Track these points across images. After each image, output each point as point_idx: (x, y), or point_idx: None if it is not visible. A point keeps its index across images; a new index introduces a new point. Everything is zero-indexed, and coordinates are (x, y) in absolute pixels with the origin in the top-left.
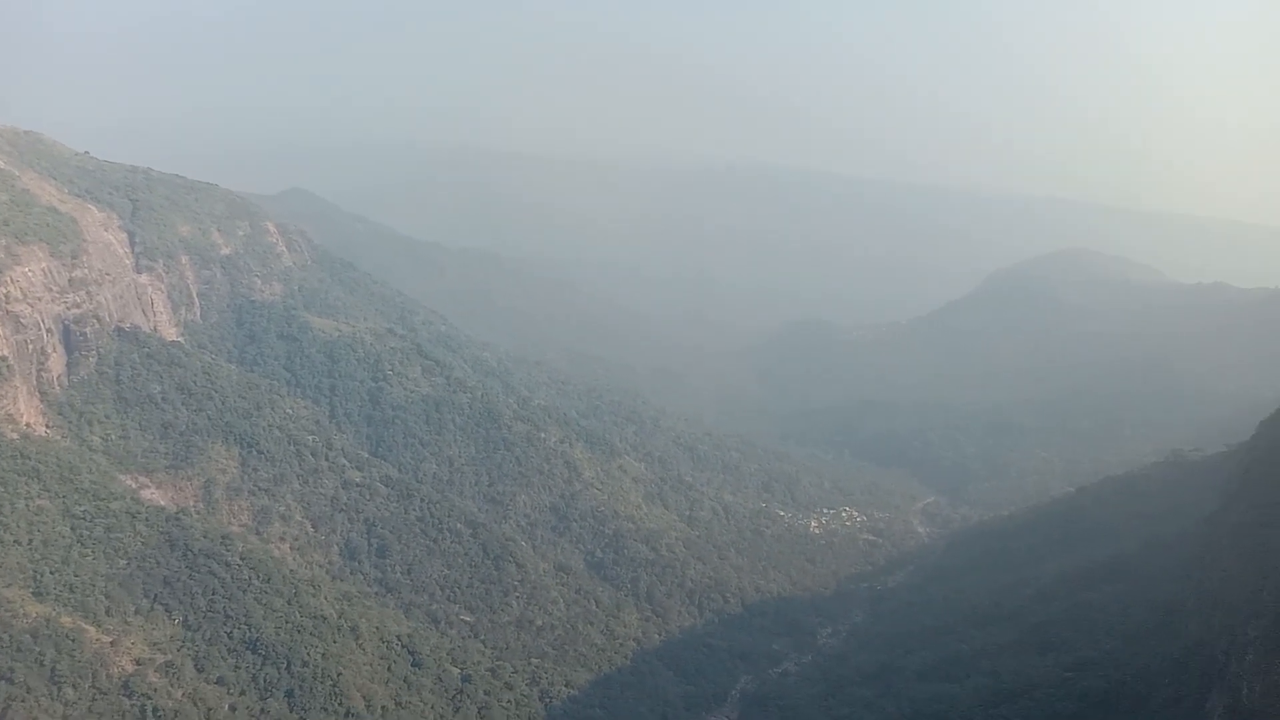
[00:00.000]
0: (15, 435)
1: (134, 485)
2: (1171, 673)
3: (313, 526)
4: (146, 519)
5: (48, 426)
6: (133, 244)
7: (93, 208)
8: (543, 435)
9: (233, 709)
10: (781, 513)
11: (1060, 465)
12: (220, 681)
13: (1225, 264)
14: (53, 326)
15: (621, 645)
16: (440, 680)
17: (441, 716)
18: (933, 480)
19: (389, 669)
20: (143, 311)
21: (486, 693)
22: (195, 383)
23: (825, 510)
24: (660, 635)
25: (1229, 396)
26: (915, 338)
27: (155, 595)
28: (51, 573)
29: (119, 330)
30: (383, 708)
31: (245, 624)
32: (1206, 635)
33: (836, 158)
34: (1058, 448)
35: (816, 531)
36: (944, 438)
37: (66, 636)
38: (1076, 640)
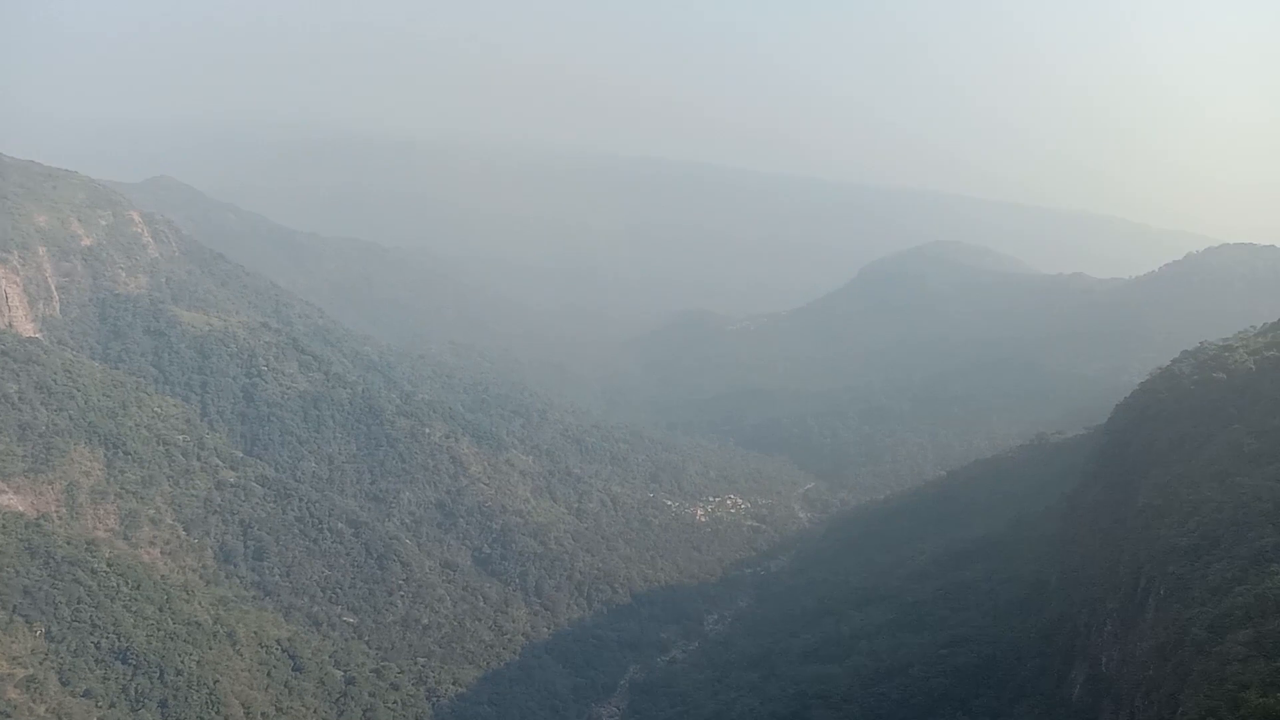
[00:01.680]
0: None
1: None
2: (1037, 646)
3: (185, 530)
4: (3, 526)
5: None
6: None
7: None
8: (427, 430)
9: None
10: (669, 502)
11: (932, 450)
12: (88, 694)
13: (1083, 255)
14: None
15: (510, 640)
16: (323, 683)
17: None
18: (813, 466)
19: (269, 674)
20: None
21: (371, 694)
22: (55, 381)
23: (711, 498)
24: (549, 629)
25: (1087, 381)
26: (796, 328)
27: (14, 606)
28: None
29: None
30: (263, 714)
31: (114, 633)
32: (1069, 609)
33: (718, 150)
34: (930, 433)
35: (703, 520)
36: (823, 425)
37: None
38: (950, 618)
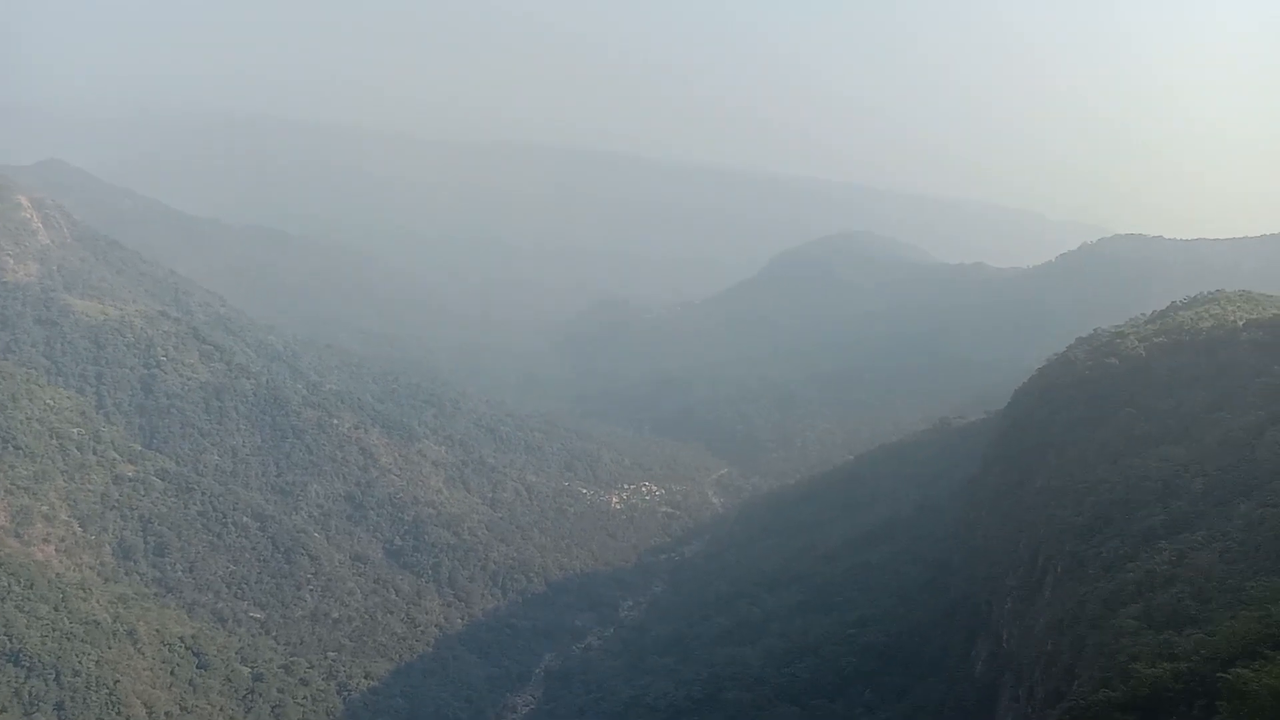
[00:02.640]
0: None
1: None
2: (942, 624)
3: (80, 526)
4: None
5: None
6: None
7: None
8: (335, 421)
9: None
10: (584, 490)
11: (841, 435)
12: None
13: (984, 244)
14: None
15: (423, 632)
16: (229, 681)
17: (232, 718)
18: (726, 452)
19: (172, 673)
20: None
21: (280, 690)
22: None
23: (626, 486)
24: (463, 619)
25: (988, 367)
26: (709, 316)
27: None
28: None
29: None
30: (166, 714)
31: (5, 634)
32: (971, 588)
33: (636, 139)
34: (838, 419)
35: (618, 507)
36: (736, 411)
37: None
38: (858, 599)
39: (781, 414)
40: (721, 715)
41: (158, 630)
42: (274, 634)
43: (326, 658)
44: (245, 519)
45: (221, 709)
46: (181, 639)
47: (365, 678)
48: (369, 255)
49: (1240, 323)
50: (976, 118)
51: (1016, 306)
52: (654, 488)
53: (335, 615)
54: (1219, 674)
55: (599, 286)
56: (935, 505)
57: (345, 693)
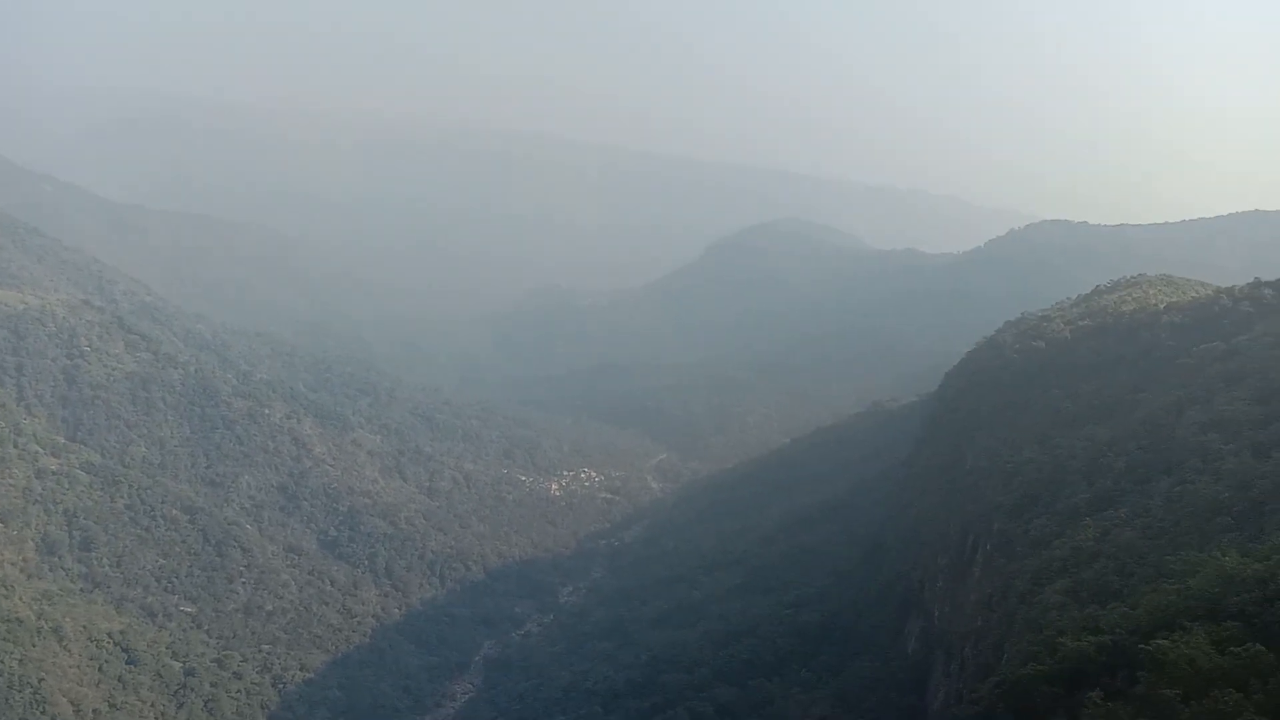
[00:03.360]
0: None
1: None
2: (876, 603)
3: (1, 522)
4: None
5: None
6: None
7: None
8: (267, 411)
9: None
10: (523, 478)
11: (778, 419)
12: None
13: (915, 231)
14: None
15: (360, 623)
16: (160, 676)
17: (164, 714)
18: (665, 437)
19: (100, 669)
20: None
21: (213, 685)
22: None
23: (565, 472)
24: (401, 609)
25: (920, 351)
26: (647, 302)
27: None
28: None
29: None
30: (95, 711)
31: None
32: (904, 567)
33: (568, 123)
34: (775, 403)
35: (557, 494)
36: (674, 397)
37: None
38: (794, 579)
39: (719, 399)
40: (660, 698)
41: (84, 626)
42: (206, 628)
43: (261, 651)
44: (175, 512)
45: (152, 705)
46: (109, 635)
47: (301, 670)
48: (300, 241)
49: (1161, 306)
50: (908, 108)
51: (947, 291)
52: (593, 474)
53: (269, 608)
54: (1140, 645)
55: (533, 270)
56: (869, 487)
57: (280, 685)
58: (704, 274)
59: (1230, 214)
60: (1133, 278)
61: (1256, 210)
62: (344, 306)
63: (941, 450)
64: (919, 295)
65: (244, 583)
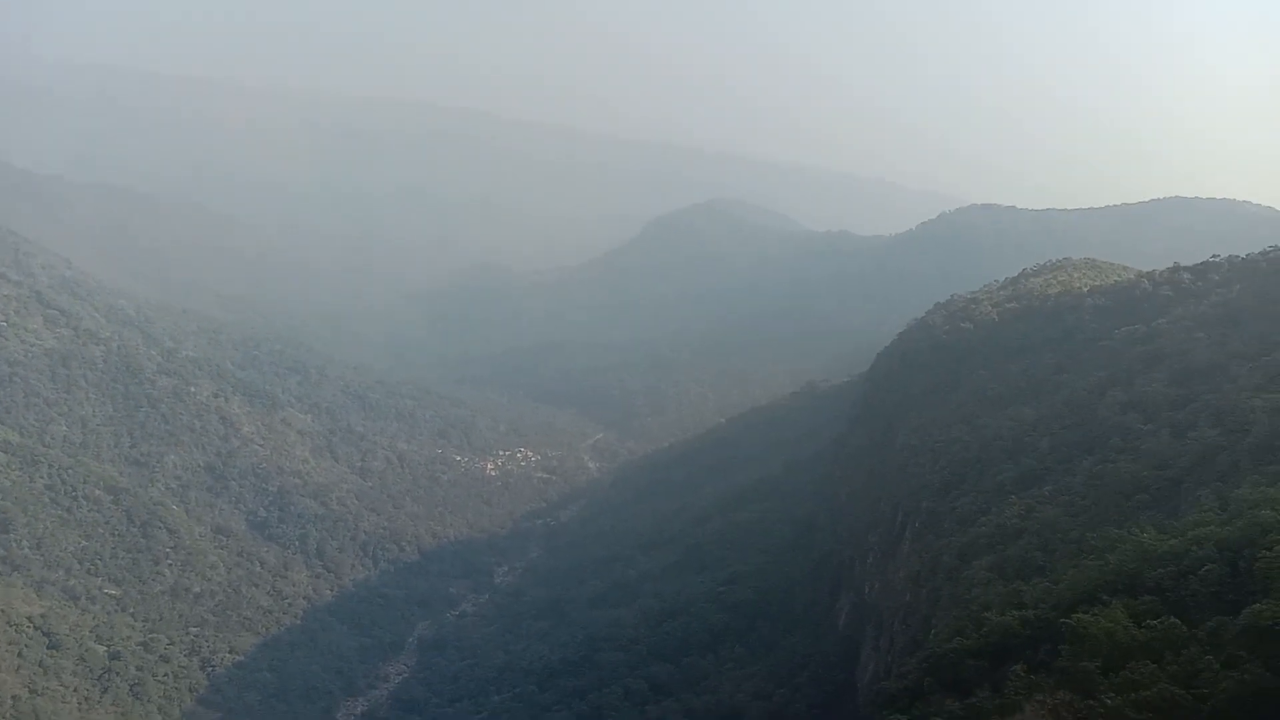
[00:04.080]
0: None
1: None
2: (808, 580)
3: None
4: None
5: None
6: None
7: None
8: (193, 390)
9: None
10: (458, 457)
11: (714, 398)
12: None
13: (848, 213)
14: None
15: (290, 605)
16: (84, 660)
17: (88, 699)
18: (602, 417)
19: (19, 654)
20: None
21: (139, 668)
22: None
23: (501, 452)
24: (332, 591)
25: (852, 332)
26: (585, 281)
27: None
28: None
29: None
30: (14, 697)
31: None
32: (836, 544)
33: (510, 99)
34: (711, 383)
35: (493, 473)
36: (612, 376)
37: None
38: (728, 557)
39: (656, 379)
40: (596, 676)
41: (2, 610)
42: (131, 611)
43: (188, 633)
44: (97, 492)
45: (75, 690)
46: (30, 619)
47: (230, 652)
48: (227, 215)
49: (1085, 289)
50: (844, 91)
51: (879, 273)
52: (530, 454)
53: (197, 590)
54: (1062, 619)
55: (468, 248)
56: (802, 465)
57: (209, 668)
58: (641, 254)
59: (1153, 199)
60: (1058, 261)
61: (1178, 196)
62: (271, 281)
63: (873, 430)
64: (852, 276)
65: (170, 564)
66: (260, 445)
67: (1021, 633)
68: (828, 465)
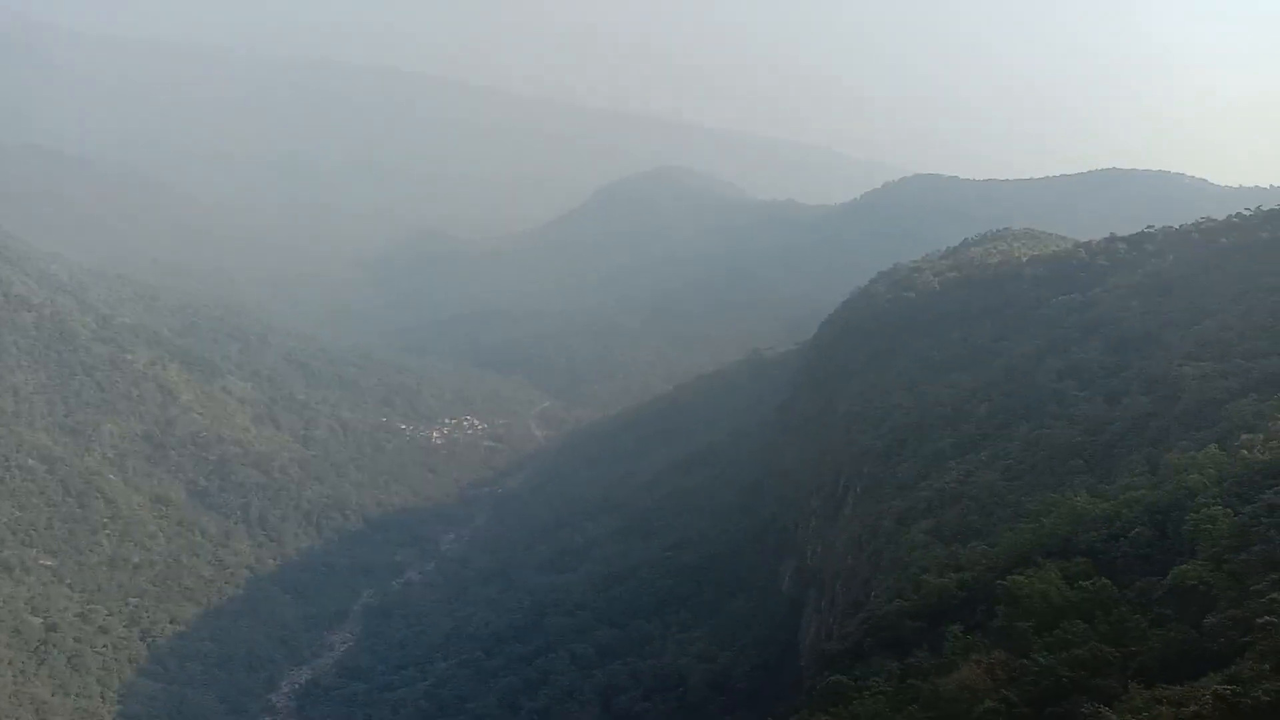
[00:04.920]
0: None
1: None
2: (752, 545)
3: None
4: None
5: None
6: None
7: None
8: (129, 357)
9: None
10: (403, 425)
11: (661, 366)
12: None
13: (794, 182)
14: None
15: (233, 575)
16: (19, 633)
17: (23, 671)
18: (549, 384)
19: None
20: None
21: (77, 640)
22: None
23: (447, 420)
24: (276, 560)
25: (797, 300)
26: (533, 249)
27: None
28: None
29: None
30: None
31: None
32: (780, 509)
33: (458, 62)
34: (658, 350)
35: (439, 442)
36: (559, 344)
37: None
38: (675, 523)
39: (604, 346)
40: (543, 641)
41: None
42: (68, 581)
43: (128, 604)
44: (31, 461)
45: (10, 663)
46: None
47: (171, 623)
48: (163, 179)
49: (1024, 259)
50: (789, 60)
51: (824, 242)
52: (476, 421)
53: (136, 560)
54: (998, 581)
55: (413, 214)
56: (748, 432)
57: (150, 639)
58: (588, 221)
59: (1091, 171)
60: (998, 231)
61: (1115, 168)
62: (212, 252)
63: (816, 397)
64: (798, 245)
65: (108, 534)
66: (200, 413)
67: (959, 594)
68: (772, 432)
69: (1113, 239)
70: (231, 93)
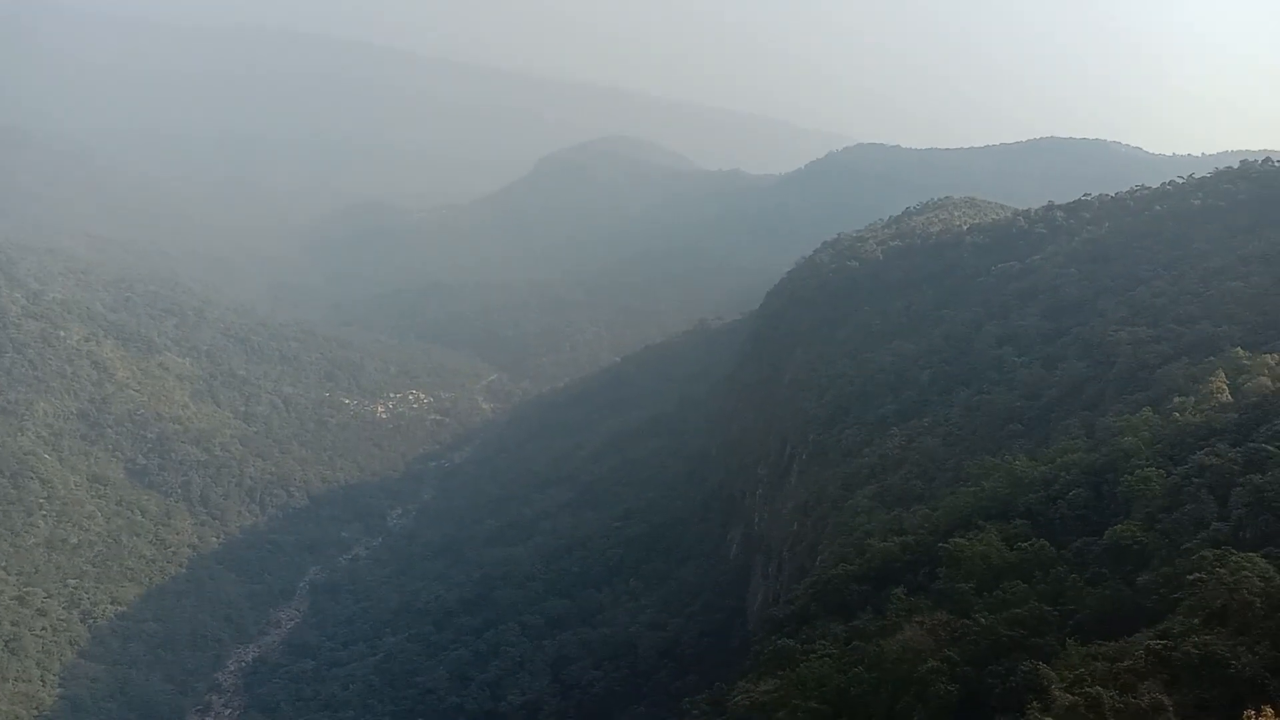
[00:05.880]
0: None
1: None
2: (700, 513)
3: None
4: None
5: None
6: None
7: None
8: (62, 334)
9: None
10: (346, 400)
11: (608, 337)
12: None
13: (739, 152)
14: None
15: (175, 554)
16: None
17: None
18: (495, 358)
19: None
20: None
21: (14, 623)
22: None
23: (392, 394)
24: (219, 538)
25: (743, 270)
26: (477, 220)
27: None
28: None
29: None
30: None
31: None
32: (727, 478)
33: (395, 29)
34: (606, 321)
35: (384, 416)
36: (505, 316)
37: None
38: (623, 493)
39: (550, 318)
40: (493, 613)
41: None
42: (4, 564)
43: (67, 586)
44: None
45: None
46: None
47: (112, 604)
48: (95, 151)
49: (965, 227)
50: (735, 28)
51: (769, 211)
52: (422, 395)
53: (74, 541)
54: (939, 544)
55: (353, 187)
56: (695, 402)
57: (90, 621)
58: (533, 191)
59: (1030, 139)
60: (940, 200)
61: (1053, 136)
62: (146, 226)
63: (763, 366)
64: (744, 215)
65: (45, 515)
66: (136, 390)
67: (902, 558)
68: (720, 401)
69: (1050, 207)
70: (167, 65)
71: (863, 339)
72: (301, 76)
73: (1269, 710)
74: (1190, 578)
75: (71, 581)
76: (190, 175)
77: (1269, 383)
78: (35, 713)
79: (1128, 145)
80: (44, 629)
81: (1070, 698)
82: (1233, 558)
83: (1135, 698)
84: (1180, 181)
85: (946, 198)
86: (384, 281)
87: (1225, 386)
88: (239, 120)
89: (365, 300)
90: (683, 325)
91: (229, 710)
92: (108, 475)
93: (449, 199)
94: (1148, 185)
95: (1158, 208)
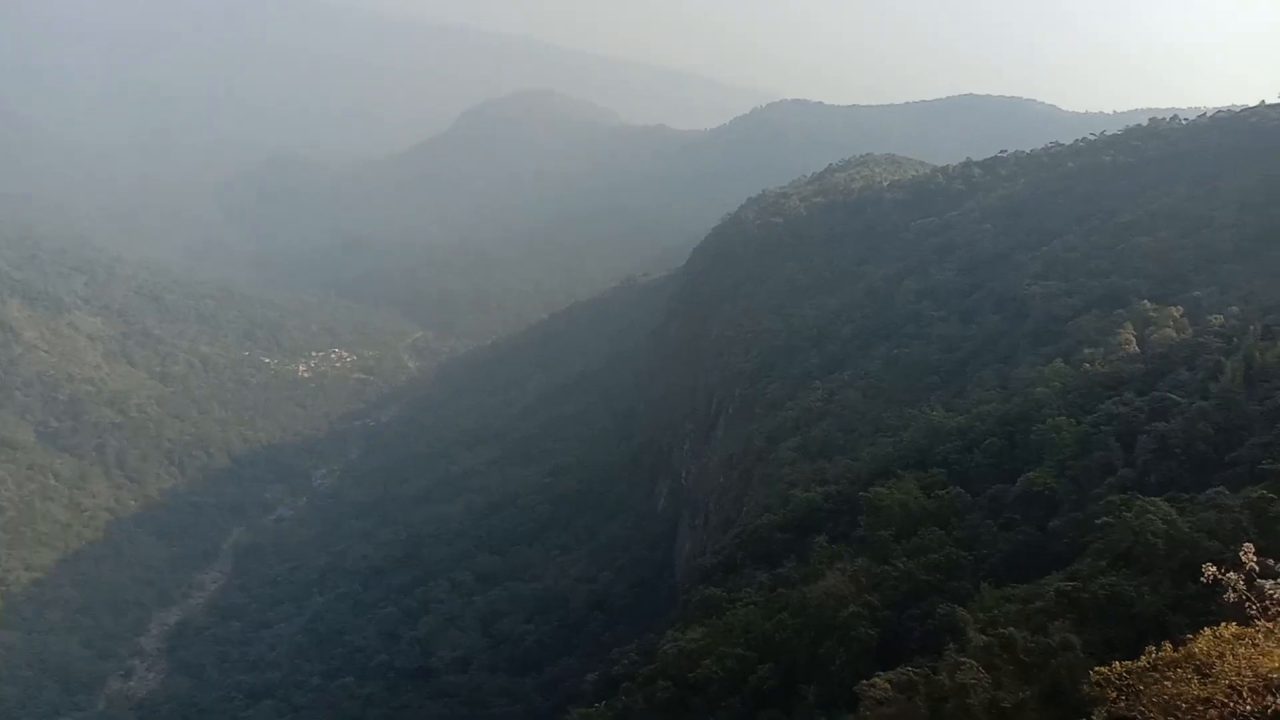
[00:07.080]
0: None
1: None
2: (629, 467)
3: None
4: None
5: None
6: None
7: None
8: None
9: None
10: (267, 359)
11: (536, 295)
12: None
13: (665, 108)
14: None
15: (91, 518)
16: None
17: None
18: (421, 316)
19: None
20: None
21: None
22: None
23: (314, 353)
24: (137, 501)
25: (670, 227)
26: (399, 175)
27: None
28: None
29: None
30: None
31: None
32: (655, 433)
33: None
34: (534, 279)
35: (305, 375)
36: (430, 274)
37: None
38: (553, 449)
39: (478, 275)
40: (422, 571)
41: None
42: None
43: None
44: None
45: None
46: None
47: (26, 570)
48: None
49: (885, 184)
50: None
51: (695, 167)
52: (345, 354)
53: None
54: (860, 493)
55: (269, 142)
56: (624, 358)
57: (3, 588)
58: (456, 145)
59: (949, 97)
60: (862, 156)
61: (971, 94)
62: (51, 183)
63: (690, 321)
64: (670, 171)
65: None
66: (46, 351)
67: (824, 507)
68: (647, 357)
69: (968, 164)
70: (74, 14)
71: (787, 294)
72: (213, 30)
73: (1168, 645)
74: (1098, 522)
75: None
76: (99, 130)
77: (1174, 334)
78: None
79: (1043, 103)
80: None
81: (985, 638)
82: (1138, 502)
83: (1046, 637)
84: (1092, 138)
85: (869, 155)
86: (303, 239)
87: (1133, 338)
88: (148, 74)
89: (284, 258)
90: (610, 282)
91: (152, 674)
92: (17, 439)
93: (367, 154)
94: (1061, 142)
95: (1070, 164)
